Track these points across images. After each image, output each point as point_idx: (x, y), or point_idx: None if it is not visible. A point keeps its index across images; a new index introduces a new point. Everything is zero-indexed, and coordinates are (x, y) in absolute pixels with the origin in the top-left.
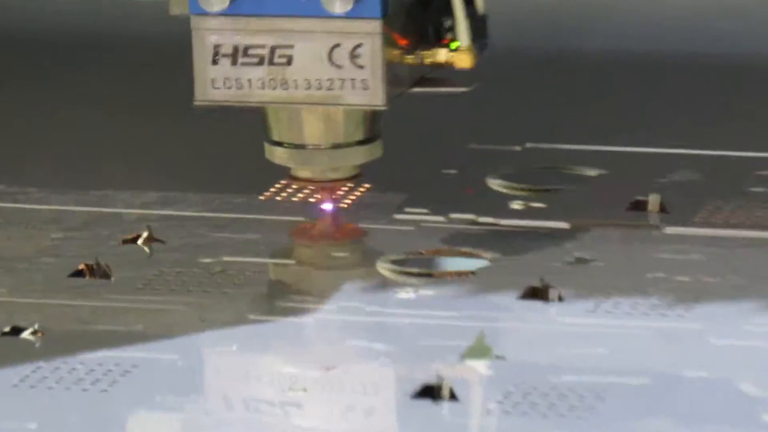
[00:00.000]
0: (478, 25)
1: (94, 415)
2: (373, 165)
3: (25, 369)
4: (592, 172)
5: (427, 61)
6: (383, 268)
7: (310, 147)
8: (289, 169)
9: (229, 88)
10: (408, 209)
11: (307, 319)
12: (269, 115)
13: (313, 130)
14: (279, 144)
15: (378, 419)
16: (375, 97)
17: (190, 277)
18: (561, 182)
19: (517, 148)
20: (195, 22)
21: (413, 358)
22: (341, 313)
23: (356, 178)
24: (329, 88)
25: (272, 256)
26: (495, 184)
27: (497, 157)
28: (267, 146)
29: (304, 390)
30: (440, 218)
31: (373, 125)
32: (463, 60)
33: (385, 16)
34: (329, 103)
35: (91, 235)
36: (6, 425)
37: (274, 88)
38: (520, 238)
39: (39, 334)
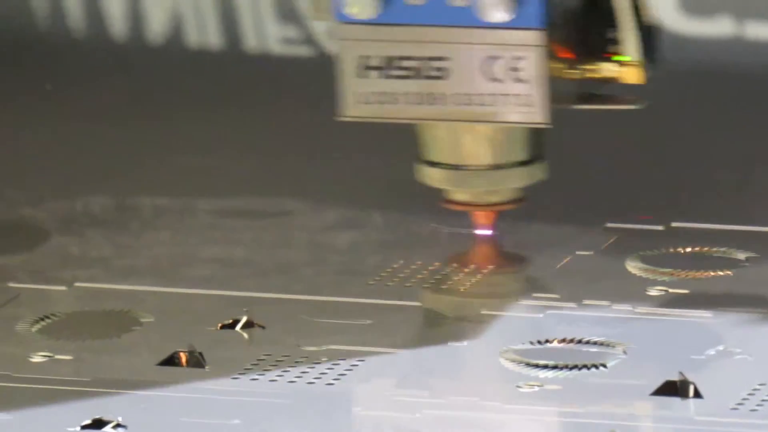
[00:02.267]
0: (650, 37)
1: None
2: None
3: None
4: (741, 255)
5: (593, 75)
6: (506, 358)
7: (468, 168)
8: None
9: (379, 103)
10: (536, 294)
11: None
12: (423, 133)
13: (470, 149)
14: (434, 164)
15: None
16: (537, 113)
17: (291, 365)
18: (706, 266)
19: (660, 227)
20: (343, 31)
21: None
22: (455, 407)
23: (518, 203)
24: (488, 104)
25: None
26: (633, 267)
27: (637, 237)
28: (419, 167)
29: None
30: (572, 304)
31: (535, 145)
32: (633, 74)
33: (549, 26)
34: (487, 120)
35: (184, 319)
36: None
37: (428, 104)
38: (657, 327)
39: (122, 429)
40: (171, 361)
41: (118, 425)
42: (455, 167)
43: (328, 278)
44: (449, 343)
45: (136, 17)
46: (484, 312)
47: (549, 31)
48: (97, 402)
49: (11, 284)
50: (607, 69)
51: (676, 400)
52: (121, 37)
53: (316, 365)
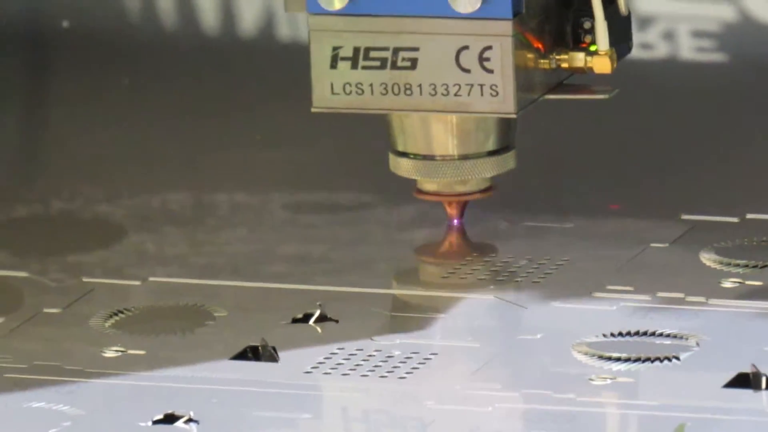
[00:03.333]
0: (621, 27)
1: None
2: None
3: None
4: None
5: (563, 65)
6: (578, 350)
7: (438, 158)
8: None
9: (349, 93)
10: (610, 286)
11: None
12: (393, 123)
13: (440, 139)
14: (404, 155)
15: None
16: (505, 104)
17: (364, 359)
18: None
19: (735, 219)
20: (313, 22)
21: None
22: (528, 401)
23: (487, 192)
24: (456, 94)
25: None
26: (708, 259)
27: (712, 229)
28: (391, 157)
29: None
30: (646, 296)
31: (506, 134)
32: (602, 64)
33: (518, 16)
34: (456, 110)
35: (258, 314)
36: None
37: (397, 94)
38: (731, 319)
39: (194, 424)
40: (244, 355)
41: (190, 420)
42: (425, 157)
43: (403, 272)
44: (522, 336)
45: (227, 12)
46: (556, 304)
47: (518, 21)
48: (169, 397)
49: (85, 279)
50: (577, 59)
51: (748, 392)
52: (213, 32)
53: (389, 359)
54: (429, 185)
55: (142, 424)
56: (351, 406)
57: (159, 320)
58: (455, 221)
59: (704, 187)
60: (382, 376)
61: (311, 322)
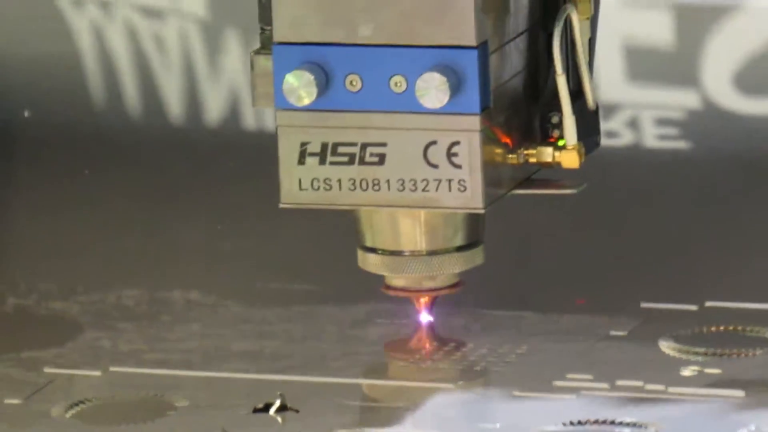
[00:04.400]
0: (589, 121)
1: None
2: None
3: None
4: None
5: (532, 160)
6: None
7: (406, 253)
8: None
9: (317, 189)
10: (570, 375)
11: None
12: (361, 218)
13: (408, 234)
14: (372, 250)
15: None
16: (473, 199)
17: None
18: (740, 345)
19: (694, 307)
20: (281, 117)
21: None
22: None
23: (455, 288)
24: (424, 190)
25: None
26: (667, 347)
27: (672, 317)
28: (360, 252)
29: None
30: (604, 385)
31: (474, 230)
32: (570, 159)
33: (485, 111)
34: (424, 206)
35: (219, 403)
36: None
37: (365, 190)
38: (691, 408)
39: None
40: None
41: None
42: (393, 253)
43: (366, 365)
44: (483, 425)
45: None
46: (516, 393)
47: (486, 116)
48: None
49: (46, 369)
50: (546, 153)
51: None
52: (178, 121)
53: None
54: (397, 281)
55: None
56: None
57: (120, 411)
58: (423, 316)
59: (664, 275)
60: None
61: (272, 411)
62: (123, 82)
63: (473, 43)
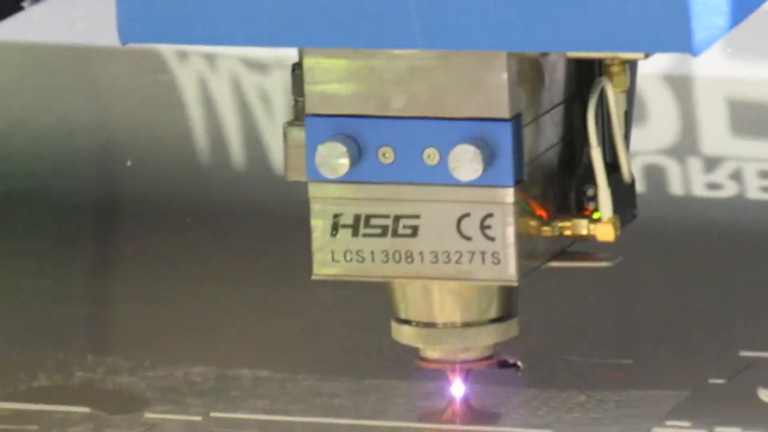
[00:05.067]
0: (625, 194)
1: None
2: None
3: None
4: None
5: (567, 232)
6: None
7: (440, 325)
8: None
9: (350, 261)
10: (669, 422)
11: None
12: (395, 290)
13: (443, 306)
14: (406, 322)
15: None
16: (507, 271)
17: None
18: None
19: None
20: (313, 189)
21: None
22: None
23: (489, 360)
24: (458, 262)
25: None
26: (766, 395)
27: None
28: (393, 324)
29: None
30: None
31: (508, 302)
32: (605, 232)
33: (519, 183)
34: (457, 278)
35: None
36: None
37: (398, 262)
38: None
39: None
40: None
41: None
42: (426, 325)
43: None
44: None
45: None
46: None
47: (520, 188)
48: None
49: (147, 415)
50: (580, 226)
51: None
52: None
53: None
54: (432, 353)
55: None
56: None
57: None
58: (458, 388)
59: (764, 324)
60: None
61: None
62: (227, 133)
63: (507, 115)
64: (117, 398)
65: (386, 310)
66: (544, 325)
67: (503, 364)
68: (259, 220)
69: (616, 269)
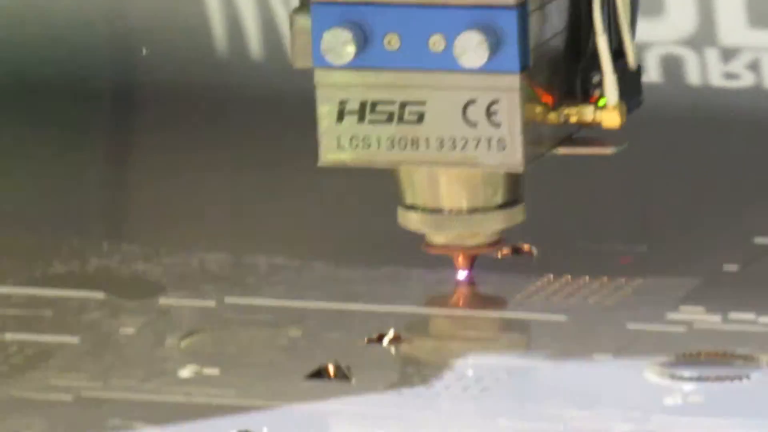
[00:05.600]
0: (631, 81)
1: None
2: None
3: None
4: None
5: (572, 119)
6: (650, 371)
7: (446, 212)
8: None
9: (356, 147)
10: (683, 307)
11: None
12: (401, 176)
13: (449, 192)
14: (412, 208)
15: None
16: (512, 157)
17: (437, 379)
18: None
19: None
20: (319, 76)
21: None
22: (602, 420)
23: (497, 245)
24: (463, 148)
25: None
26: None
27: None
28: (400, 210)
29: None
30: (717, 318)
31: (514, 188)
32: (611, 119)
33: (525, 70)
34: (463, 164)
35: (334, 335)
36: None
37: (404, 148)
38: None
39: None
40: (318, 374)
41: None
42: (433, 211)
43: (471, 295)
44: (594, 356)
45: None
46: (629, 326)
47: (526, 74)
48: (243, 416)
49: (162, 300)
50: (586, 113)
51: None
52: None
53: (462, 379)
54: (438, 238)
55: None
56: (420, 425)
57: (234, 341)
58: (465, 274)
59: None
60: (455, 395)
61: (385, 343)
62: (245, 22)
63: (513, 2)
64: (132, 284)
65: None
66: (560, 213)
67: (517, 251)
68: (275, 108)
69: (632, 158)
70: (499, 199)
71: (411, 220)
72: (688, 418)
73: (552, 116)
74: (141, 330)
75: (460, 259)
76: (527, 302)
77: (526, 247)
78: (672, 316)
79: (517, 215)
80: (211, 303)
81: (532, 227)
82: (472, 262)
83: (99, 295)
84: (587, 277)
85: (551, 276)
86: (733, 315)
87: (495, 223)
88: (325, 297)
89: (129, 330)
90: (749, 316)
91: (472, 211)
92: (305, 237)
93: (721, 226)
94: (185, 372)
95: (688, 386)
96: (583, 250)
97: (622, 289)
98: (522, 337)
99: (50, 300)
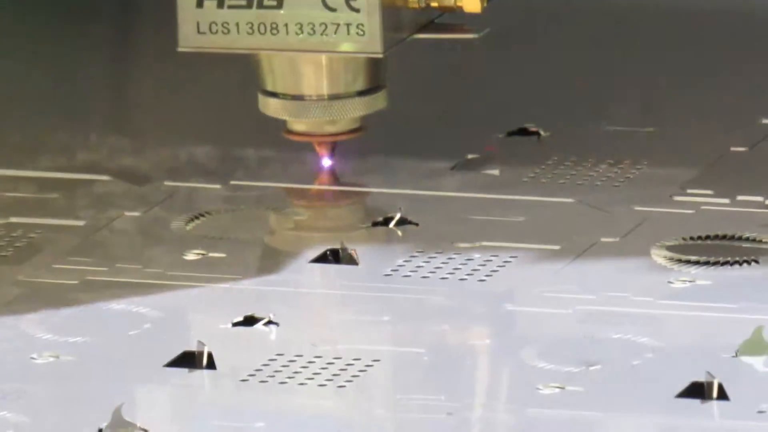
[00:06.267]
0: None
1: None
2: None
3: (256, 362)
4: None
5: (433, 4)
6: (657, 254)
7: (307, 98)
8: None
9: (216, 33)
10: (690, 190)
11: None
12: (262, 63)
13: (309, 79)
14: (273, 95)
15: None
16: (372, 43)
17: (444, 262)
18: None
19: None
20: None
21: (682, 354)
22: (609, 303)
23: (357, 132)
24: (323, 34)
25: None
26: None
27: None
28: (260, 97)
29: None
30: (725, 200)
31: (376, 74)
32: (472, 4)
33: None
34: (323, 50)
35: (337, 217)
36: (233, 424)
37: (263, 33)
38: None
39: (273, 326)
40: (324, 258)
41: (269, 322)
42: (294, 97)
43: (481, 176)
44: (601, 239)
45: None
46: (636, 208)
47: None
48: (249, 299)
49: (167, 182)
50: None
51: None
52: None
53: (469, 262)
54: (298, 126)
55: (222, 326)
56: (427, 306)
57: (240, 224)
58: (326, 161)
59: None
60: (461, 279)
61: (391, 225)
62: None
63: None
64: (137, 171)
65: None
66: (565, 95)
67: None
68: None
69: (636, 40)
70: (359, 85)
71: (270, 107)
72: (695, 302)
73: (412, 1)
74: (146, 213)
75: (321, 147)
76: (533, 184)
77: (533, 128)
78: (679, 198)
79: (378, 101)
80: (216, 186)
81: (538, 109)
82: (333, 150)
83: (104, 177)
84: (594, 159)
85: (557, 158)
86: (741, 197)
87: (355, 110)
88: None
89: (134, 213)
90: (757, 198)
91: (333, 97)
92: None
93: (728, 108)
94: (190, 255)
95: (695, 269)
96: (589, 132)
97: (628, 170)
98: (529, 220)
99: (57, 181)
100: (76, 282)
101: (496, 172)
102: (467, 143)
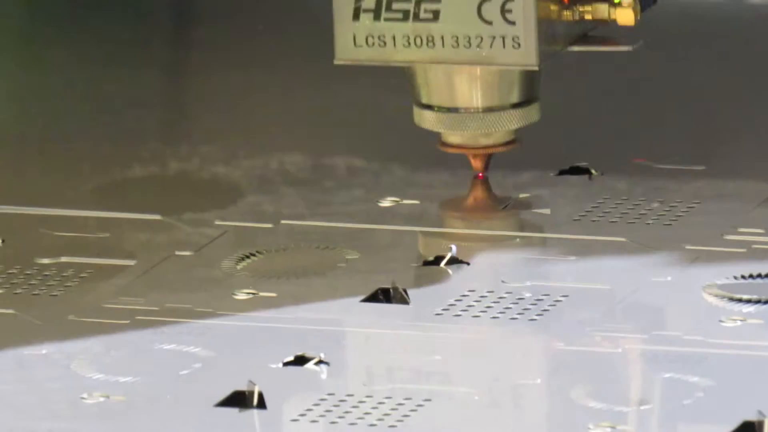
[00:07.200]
0: None
1: None
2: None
3: (307, 402)
4: None
5: (587, 17)
6: (709, 292)
7: (462, 110)
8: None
9: (372, 45)
10: (741, 229)
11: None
12: (417, 75)
13: (463, 91)
14: (428, 107)
15: None
16: (527, 56)
17: (495, 302)
18: None
19: None
20: None
21: (733, 393)
22: (660, 343)
23: (511, 145)
24: (478, 46)
25: None
26: None
27: None
28: (415, 109)
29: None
30: None
31: (530, 86)
32: (626, 16)
33: None
34: (478, 62)
35: (388, 256)
36: None
37: (420, 46)
38: None
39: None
40: (375, 297)
41: (320, 362)
42: (449, 110)
43: (531, 216)
44: (652, 278)
45: None
46: (687, 247)
47: None
48: (300, 339)
49: (218, 222)
50: (601, 10)
51: None
52: None
53: (520, 301)
54: (453, 138)
55: (273, 365)
56: (478, 345)
57: (290, 263)
58: (480, 174)
59: None
60: (512, 318)
61: (442, 264)
62: None
63: None
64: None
65: None
66: (615, 130)
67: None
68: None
69: (689, 77)
70: (514, 97)
71: (426, 119)
72: (746, 341)
73: (567, 14)
74: (198, 252)
75: (476, 160)
76: (582, 223)
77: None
78: (730, 237)
79: (532, 114)
80: (267, 225)
81: (588, 148)
82: (487, 163)
83: (155, 217)
84: (645, 198)
85: (606, 196)
86: None
87: (510, 122)
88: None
89: (185, 252)
90: None
91: (488, 110)
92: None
93: None
94: (241, 294)
95: (747, 308)
96: (640, 171)
97: (678, 209)
98: (580, 259)
99: (107, 222)
100: (127, 321)
101: (547, 211)
102: (518, 182)
